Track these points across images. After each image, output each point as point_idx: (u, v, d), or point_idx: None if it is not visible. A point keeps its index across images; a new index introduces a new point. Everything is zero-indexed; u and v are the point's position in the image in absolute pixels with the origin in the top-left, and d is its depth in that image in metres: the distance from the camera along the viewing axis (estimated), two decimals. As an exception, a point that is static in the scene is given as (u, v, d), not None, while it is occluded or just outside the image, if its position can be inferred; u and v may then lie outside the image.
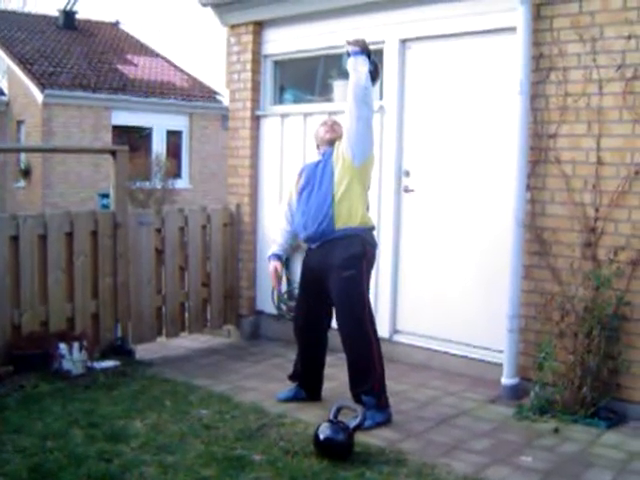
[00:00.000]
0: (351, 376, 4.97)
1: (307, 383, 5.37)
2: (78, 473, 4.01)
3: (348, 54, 5.02)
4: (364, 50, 4.95)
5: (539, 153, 5.43)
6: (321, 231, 4.95)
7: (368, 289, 5.02)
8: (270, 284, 5.70)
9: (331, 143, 5.13)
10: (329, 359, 5.52)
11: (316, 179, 5.05)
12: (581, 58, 5.20)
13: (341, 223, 4.92)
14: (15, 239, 5.87)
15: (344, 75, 6.99)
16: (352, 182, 4.96)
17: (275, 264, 5.30)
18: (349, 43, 5.01)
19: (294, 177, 5.38)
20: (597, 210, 5.14)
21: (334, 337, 5.95)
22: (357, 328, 4.89)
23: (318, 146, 5.30)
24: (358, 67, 4.91)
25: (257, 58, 7.45)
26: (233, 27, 7.63)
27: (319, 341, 5.31)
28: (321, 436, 4.29)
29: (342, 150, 4.99)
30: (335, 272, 4.91)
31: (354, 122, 4.90)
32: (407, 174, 6.38)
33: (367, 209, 5.14)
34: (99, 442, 4.48)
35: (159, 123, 19.95)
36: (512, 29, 5.44)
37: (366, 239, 5.03)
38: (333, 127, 5.22)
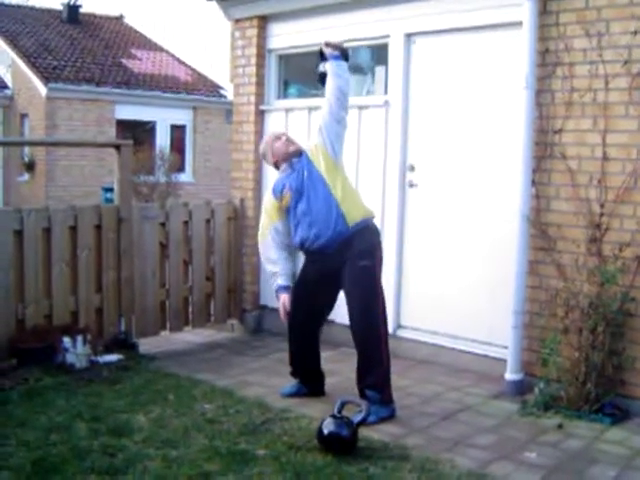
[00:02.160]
0: (359, 367, 4.96)
1: (309, 379, 5.37)
2: (82, 467, 4.01)
3: (321, 56, 5.15)
4: (343, 54, 5.09)
5: (544, 148, 5.41)
6: (337, 232, 4.89)
7: (381, 280, 5.01)
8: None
9: (295, 155, 5.11)
10: (333, 353, 5.52)
11: (307, 188, 4.97)
12: (587, 53, 5.18)
13: (351, 219, 4.91)
14: (19, 233, 5.87)
15: (349, 70, 6.98)
16: (344, 179, 5.06)
17: (285, 297, 5.12)
18: (328, 45, 5.11)
19: (270, 201, 5.18)
20: (602, 206, 5.13)
21: (338, 332, 5.95)
22: (369, 319, 4.88)
23: (277, 162, 5.21)
24: (341, 73, 5.05)
25: (261, 52, 7.44)
26: (238, 21, 7.63)
27: (316, 336, 5.32)
28: (325, 431, 4.28)
29: (321, 152, 5.02)
30: (351, 262, 4.89)
31: (335, 124, 5.05)
32: (412, 169, 6.37)
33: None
34: (103, 436, 4.48)
35: (163, 117, 19.92)
36: (518, 24, 5.41)
37: (376, 229, 5.12)
38: (290, 139, 5.23)
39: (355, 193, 5.16)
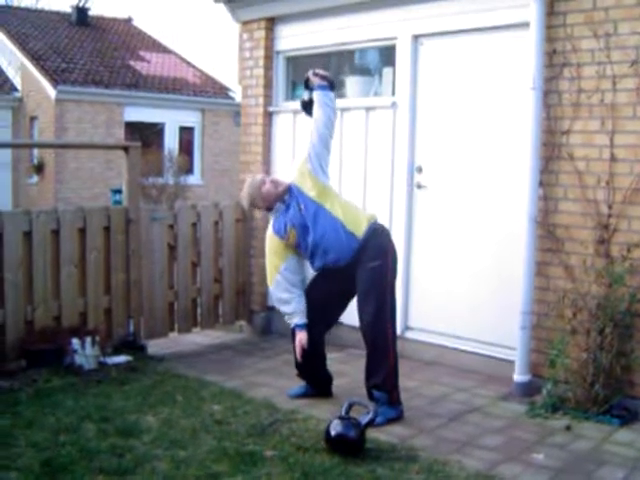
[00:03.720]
0: (367, 367, 4.97)
1: (316, 381, 5.38)
2: (90, 467, 4.03)
3: (306, 85, 5.30)
4: (330, 84, 5.22)
5: (552, 149, 5.41)
6: (352, 249, 4.94)
7: (394, 283, 5.02)
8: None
9: (285, 192, 5.11)
10: (341, 355, 5.50)
11: (309, 220, 4.99)
12: (595, 54, 5.18)
13: (359, 232, 4.96)
14: (28, 234, 5.89)
15: (357, 71, 7.05)
16: (337, 197, 5.17)
17: (303, 335, 5.10)
18: (316, 75, 5.23)
19: (276, 242, 5.15)
20: (610, 207, 5.12)
21: (346, 334, 5.96)
22: (377, 319, 4.88)
23: (269, 205, 5.16)
24: (329, 103, 5.18)
25: (269, 54, 7.45)
26: (245, 23, 7.64)
27: (322, 340, 5.33)
28: (333, 432, 4.29)
29: (311, 179, 5.07)
30: (362, 264, 4.93)
31: (325, 152, 5.17)
32: (419, 170, 6.37)
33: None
34: (111, 437, 4.50)
35: (171, 119, 19.98)
36: (525, 25, 5.41)
37: (384, 230, 5.15)
38: (274, 180, 5.22)
39: (351, 205, 5.23)
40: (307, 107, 5.35)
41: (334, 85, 5.30)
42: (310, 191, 5.04)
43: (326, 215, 4.98)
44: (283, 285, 5.11)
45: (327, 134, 5.16)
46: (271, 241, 5.19)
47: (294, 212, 5.03)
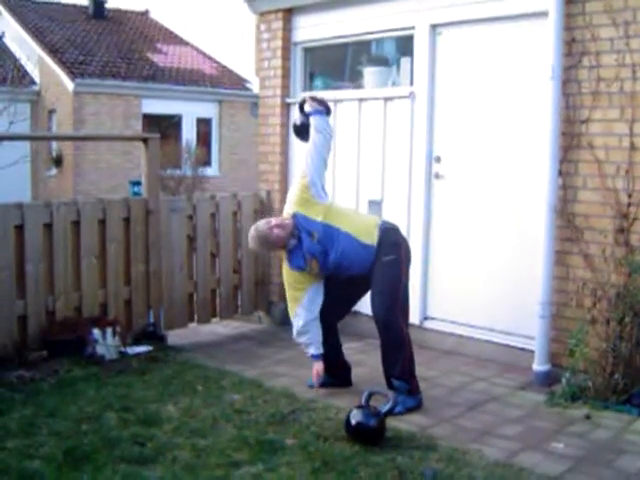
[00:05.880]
0: (383, 356, 5.00)
1: (333, 370, 5.38)
2: (112, 456, 4.07)
3: (301, 108, 5.37)
4: (326, 108, 5.32)
5: (571, 138, 5.38)
6: (371, 255, 4.99)
7: (407, 277, 5.06)
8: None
9: (293, 228, 5.11)
10: (360, 344, 5.47)
11: (325, 244, 5.02)
12: (614, 42, 5.14)
13: (372, 239, 5.01)
14: (49, 226, 5.94)
15: (374, 62, 7.03)
16: (342, 211, 5.26)
17: (319, 365, 5.20)
18: (313, 100, 5.32)
19: (294, 275, 5.16)
20: (630, 196, 5.10)
21: (364, 323, 5.96)
22: (390, 310, 4.92)
23: (282, 246, 5.14)
24: (326, 127, 5.27)
25: (287, 45, 7.45)
26: (263, 14, 7.65)
27: (335, 329, 5.37)
28: (353, 421, 4.31)
29: (315, 204, 5.10)
30: (377, 260, 4.97)
31: (324, 173, 5.26)
32: (438, 160, 6.36)
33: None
34: (133, 426, 4.54)
35: (189, 111, 20.02)
36: (544, 14, 5.39)
37: (392, 227, 5.19)
38: (278, 222, 5.14)
39: (356, 215, 5.38)
40: (300, 131, 5.42)
41: (330, 110, 5.37)
42: (317, 216, 5.07)
43: (339, 234, 5.03)
44: (301, 315, 5.16)
45: (326, 157, 5.26)
46: (289, 276, 5.23)
47: (308, 243, 5.06)
